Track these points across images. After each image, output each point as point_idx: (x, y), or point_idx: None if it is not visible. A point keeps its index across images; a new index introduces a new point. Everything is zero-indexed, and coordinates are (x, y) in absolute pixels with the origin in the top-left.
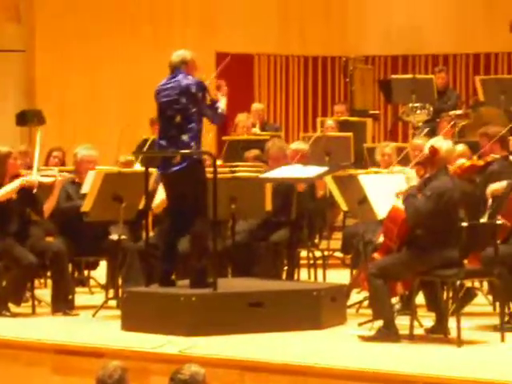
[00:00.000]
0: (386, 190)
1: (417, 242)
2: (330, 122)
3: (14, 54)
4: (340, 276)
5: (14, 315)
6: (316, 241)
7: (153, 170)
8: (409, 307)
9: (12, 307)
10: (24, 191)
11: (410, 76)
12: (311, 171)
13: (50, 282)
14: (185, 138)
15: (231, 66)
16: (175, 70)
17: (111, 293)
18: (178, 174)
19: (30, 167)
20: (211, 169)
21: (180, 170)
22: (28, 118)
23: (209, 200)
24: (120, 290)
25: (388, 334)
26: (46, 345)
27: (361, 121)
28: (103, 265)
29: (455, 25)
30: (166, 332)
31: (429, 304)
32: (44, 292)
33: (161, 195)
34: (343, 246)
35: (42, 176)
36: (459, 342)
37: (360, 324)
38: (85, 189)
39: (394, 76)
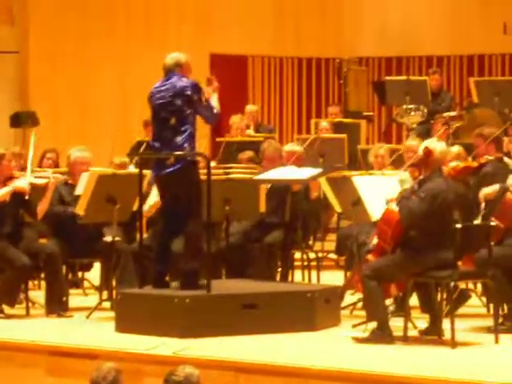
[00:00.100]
0: (380, 191)
1: (411, 243)
2: (324, 123)
3: (7, 55)
4: (334, 277)
5: (8, 317)
6: (310, 242)
7: (147, 172)
8: (403, 309)
9: (6, 309)
10: (17, 193)
11: (404, 78)
12: (305, 173)
13: (43, 283)
14: (179, 139)
15: (225, 68)
16: (169, 72)
17: (105, 294)
18: (172, 175)
19: (24, 169)
20: (205, 170)
21: (174, 171)
22: (22, 120)
23: (203, 202)
24: (114, 292)
25: (382, 335)
26: (40, 346)
27: (355, 122)
28: (97, 266)
29: (449, 26)
30: (160, 334)
31: (423, 305)
32: (38, 294)
33: (152, 199)
34: (337, 248)
35: (36, 178)
36: (453, 343)
37: (354, 326)
38: (78, 190)
39: (388, 77)
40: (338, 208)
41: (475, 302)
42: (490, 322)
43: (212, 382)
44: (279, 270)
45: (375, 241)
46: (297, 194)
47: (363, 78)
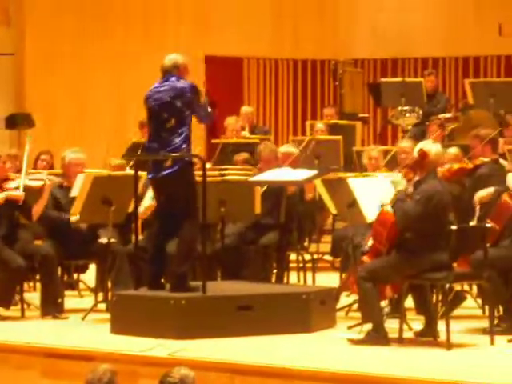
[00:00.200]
0: (375, 193)
1: (406, 245)
2: (320, 125)
3: (3, 57)
4: (329, 279)
5: (3, 318)
6: (305, 244)
7: (142, 174)
8: (398, 310)
9: (1, 310)
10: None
11: (399, 79)
12: (300, 174)
13: (39, 285)
14: (177, 141)
15: (221, 69)
16: (167, 73)
17: (100, 296)
18: (170, 177)
19: (19, 171)
20: (200, 172)
21: (172, 173)
22: (17, 122)
23: (198, 203)
24: (109, 294)
25: (377, 337)
26: (36, 348)
27: (350, 124)
28: (92, 268)
29: (445, 28)
30: (156, 335)
31: (418, 307)
32: (33, 295)
33: (147, 201)
34: (332, 249)
35: (31, 180)
36: (448, 345)
37: (349, 327)
38: (74, 192)
39: (383, 79)
40: (333, 210)
41: (470, 304)
42: (485, 324)
43: (208, 383)
44: (274, 271)
45: (370, 242)
46: (292, 196)
47: (359, 79)
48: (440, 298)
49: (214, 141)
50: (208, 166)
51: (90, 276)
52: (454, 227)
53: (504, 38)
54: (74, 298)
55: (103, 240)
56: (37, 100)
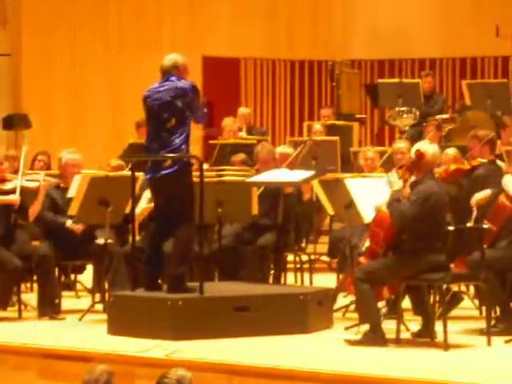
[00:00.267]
0: (372, 194)
1: (403, 246)
2: (317, 126)
3: (0, 57)
4: (326, 280)
5: (0, 319)
6: (303, 245)
7: (139, 175)
8: (395, 311)
9: None
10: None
11: (396, 80)
12: (298, 175)
13: (36, 286)
14: (177, 141)
15: (218, 70)
16: (167, 73)
17: (98, 297)
18: (169, 177)
19: (17, 171)
20: (197, 173)
21: (171, 173)
22: (14, 122)
23: (195, 204)
24: (106, 294)
25: (374, 338)
26: (33, 349)
27: (347, 125)
28: (90, 269)
29: (442, 29)
30: (153, 336)
31: (415, 308)
32: (30, 296)
33: (143, 202)
34: (330, 250)
35: (27, 181)
36: (446, 345)
37: (346, 328)
38: (71, 193)
39: (380, 80)
40: (330, 210)
41: (468, 305)
42: (482, 325)
43: None
44: (272, 272)
45: (367, 244)
46: (289, 197)
47: (356, 80)
48: (437, 298)
49: (211, 142)
50: (205, 166)
51: (87, 277)
52: (451, 228)
53: (501, 39)
54: (71, 299)
55: (100, 241)
56: (34, 101)
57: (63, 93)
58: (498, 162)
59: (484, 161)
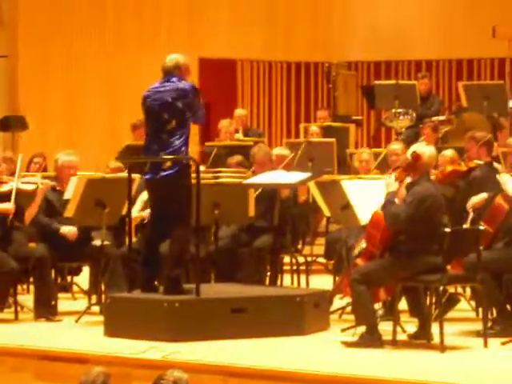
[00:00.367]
0: (368, 195)
1: (399, 247)
2: (314, 127)
3: None
4: (323, 282)
5: None
6: (299, 246)
7: (136, 176)
8: (392, 313)
9: None
10: (4, 199)
11: (392, 82)
12: (294, 177)
13: (32, 287)
14: (177, 142)
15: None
16: (168, 74)
17: (94, 298)
18: (168, 178)
19: (13, 174)
20: (194, 174)
21: (171, 174)
22: (11, 124)
23: (192, 206)
24: (103, 296)
25: (371, 339)
26: (29, 350)
27: (344, 126)
28: (86, 270)
29: (438, 31)
30: (149, 338)
31: (412, 310)
32: (27, 298)
33: (138, 205)
34: (326, 252)
35: (24, 183)
36: (442, 347)
37: (343, 330)
38: (67, 195)
39: (377, 82)
40: (326, 212)
41: (464, 306)
42: (479, 326)
43: None
44: (268, 274)
45: (363, 245)
46: (286, 199)
47: (352, 82)
48: (434, 300)
49: (207, 144)
50: (202, 168)
51: (83, 278)
52: (447, 229)
53: (498, 40)
54: (68, 301)
55: (97, 242)
56: (30, 102)
57: (60, 94)
58: (495, 164)
59: (481, 162)
